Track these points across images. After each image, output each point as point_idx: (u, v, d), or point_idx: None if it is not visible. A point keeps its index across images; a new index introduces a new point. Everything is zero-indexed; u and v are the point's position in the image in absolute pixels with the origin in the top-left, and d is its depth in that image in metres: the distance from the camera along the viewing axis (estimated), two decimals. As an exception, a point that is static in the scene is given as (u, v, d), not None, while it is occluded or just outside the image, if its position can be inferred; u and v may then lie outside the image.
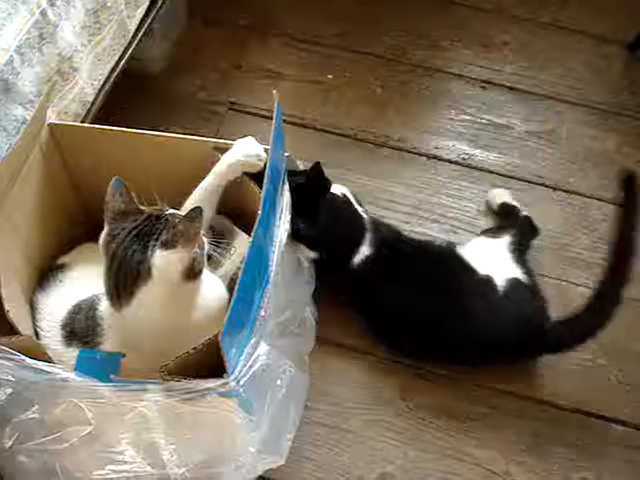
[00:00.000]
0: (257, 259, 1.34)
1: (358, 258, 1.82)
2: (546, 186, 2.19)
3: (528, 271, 1.87)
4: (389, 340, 1.90)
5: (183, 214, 1.36)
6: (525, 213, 2.03)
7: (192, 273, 1.35)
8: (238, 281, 1.22)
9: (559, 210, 2.16)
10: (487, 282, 1.80)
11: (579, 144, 2.28)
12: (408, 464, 1.77)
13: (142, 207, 1.40)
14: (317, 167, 1.74)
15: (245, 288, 1.25)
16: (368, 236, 1.84)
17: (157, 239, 1.33)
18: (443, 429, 1.81)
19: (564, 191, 2.18)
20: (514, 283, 1.82)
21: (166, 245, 1.32)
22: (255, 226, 1.28)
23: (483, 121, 2.31)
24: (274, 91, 1.44)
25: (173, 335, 1.39)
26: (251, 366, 1.29)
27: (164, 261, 1.32)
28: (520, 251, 1.92)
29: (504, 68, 2.44)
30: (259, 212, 1.29)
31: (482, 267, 1.83)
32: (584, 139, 2.29)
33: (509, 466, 1.77)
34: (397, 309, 1.83)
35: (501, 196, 2.10)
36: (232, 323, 1.20)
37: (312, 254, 1.76)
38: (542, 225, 2.06)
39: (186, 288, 1.37)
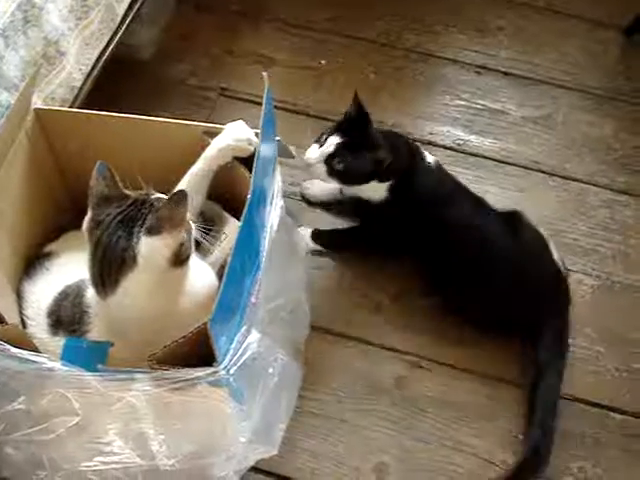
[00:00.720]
0: (247, 244, 1.31)
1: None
2: (542, 172, 2.17)
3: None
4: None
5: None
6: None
7: (179, 259, 1.33)
8: (227, 267, 1.20)
9: (555, 196, 2.13)
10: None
11: (575, 130, 2.25)
12: (404, 454, 1.74)
13: (127, 192, 1.37)
14: (356, 98, 1.77)
15: (235, 274, 1.23)
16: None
17: (142, 225, 1.31)
18: (439, 419, 1.79)
19: (560, 177, 2.16)
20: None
21: (151, 231, 1.30)
22: (245, 211, 1.25)
23: (478, 106, 2.29)
24: (264, 74, 1.41)
25: (161, 323, 1.36)
26: (242, 354, 1.27)
27: (149, 248, 1.30)
28: None
29: (499, 53, 2.41)
30: (249, 197, 1.26)
31: None
32: (580, 124, 2.26)
33: (506, 455, 1.74)
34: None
35: None
36: (222, 310, 1.17)
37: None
38: (538, 211, 2.04)
39: (173, 274, 1.34)
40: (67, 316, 1.45)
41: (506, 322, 1.85)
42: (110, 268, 1.32)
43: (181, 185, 1.53)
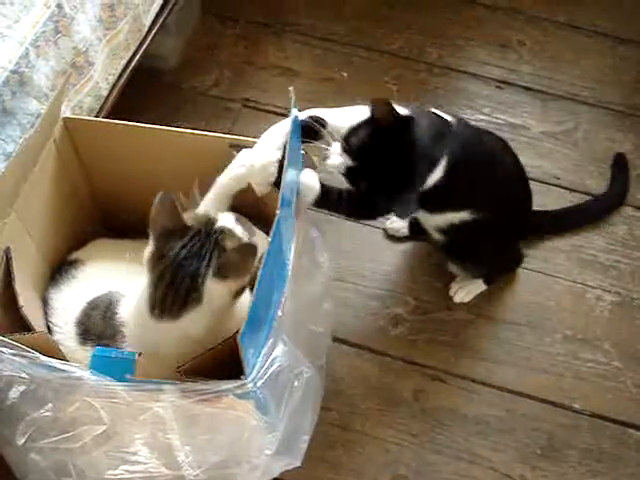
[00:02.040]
0: (276, 258, 1.32)
1: None
2: (562, 187, 2.17)
3: None
4: None
5: (230, 229, 1.37)
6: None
7: (239, 293, 1.36)
8: (257, 280, 1.21)
9: (575, 212, 2.13)
10: None
11: (596, 145, 2.25)
12: (422, 466, 1.75)
13: (189, 222, 1.38)
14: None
15: (264, 287, 1.23)
16: None
17: (208, 265, 1.33)
18: (457, 432, 1.80)
19: (580, 192, 2.16)
20: None
21: (218, 274, 1.33)
22: (274, 224, 1.26)
23: (499, 121, 2.29)
24: (290, 88, 1.42)
25: (203, 344, 1.37)
26: (268, 367, 1.27)
27: (215, 291, 1.34)
28: None
29: (520, 68, 2.41)
30: (278, 211, 1.27)
31: None
32: (601, 140, 2.26)
33: (524, 470, 1.75)
34: None
35: None
36: (251, 323, 1.18)
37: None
38: (558, 226, 2.06)
39: (232, 303, 1.38)
40: (97, 328, 1.45)
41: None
42: (173, 303, 1.34)
43: (207, 200, 1.54)
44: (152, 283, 1.36)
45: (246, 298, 1.41)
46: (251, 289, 1.41)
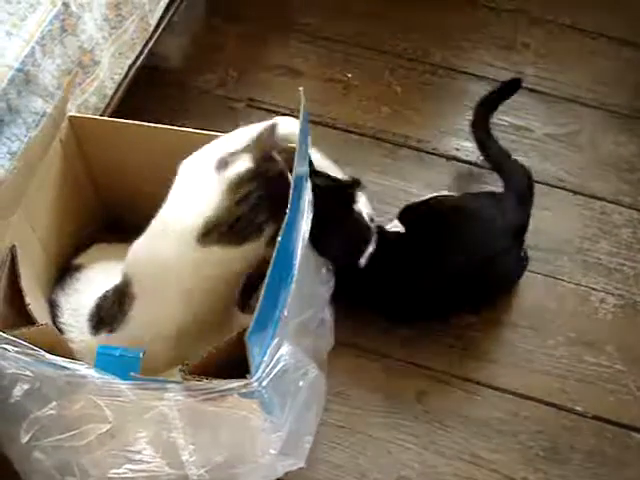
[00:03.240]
0: (284, 258, 1.32)
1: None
2: (566, 190, 2.17)
3: None
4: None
5: None
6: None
7: None
8: (266, 280, 1.21)
9: (579, 214, 2.13)
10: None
11: (600, 148, 2.25)
12: (425, 468, 1.75)
13: None
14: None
15: (272, 288, 1.24)
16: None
17: None
18: (461, 433, 1.79)
19: (584, 195, 2.16)
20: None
21: None
22: (283, 224, 1.26)
23: (503, 123, 2.29)
24: (300, 89, 1.42)
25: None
26: (273, 367, 1.26)
27: None
28: None
29: (524, 70, 2.41)
30: (287, 211, 1.27)
31: None
32: (605, 143, 2.26)
33: (526, 472, 1.75)
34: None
35: None
36: (258, 322, 1.18)
37: None
38: (561, 229, 2.05)
39: None
40: (109, 316, 1.48)
41: None
42: None
43: None
44: None
45: None
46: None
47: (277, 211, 1.31)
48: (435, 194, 1.98)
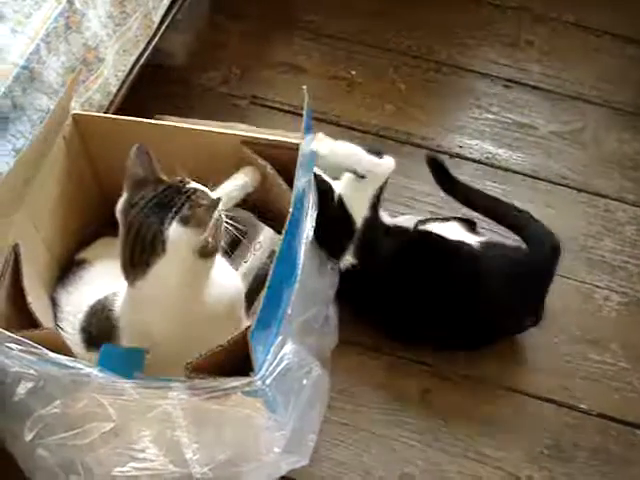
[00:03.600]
0: (287, 256, 1.32)
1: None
2: (570, 187, 2.17)
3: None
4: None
5: (203, 190, 1.36)
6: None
7: (207, 251, 1.34)
8: (269, 278, 1.21)
9: (583, 212, 2.13)
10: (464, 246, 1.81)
11: (604, 145, 2.25)
12: (428, 465, 1.75)
13: (163, 177, 1.39)
14: None
15: (275, 285, 1.24)
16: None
17: (176, 213, 1.31)
18: (465, 431, 1.79)
19: (588, 193, 2.16)
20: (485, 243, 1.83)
21: (182, 220, 1.31)
22: (287, 223, 1.26)
23: (507, 120, 2.29)
24: (304, 87, 1.42)
25: (184, 320, 1.39)
26: (277, 365, 1.27)
27: (177, 236, 1.31)
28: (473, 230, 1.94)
29: (528, 67, 2.41)
30: (291, 209, 1.27)
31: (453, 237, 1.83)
32: (609, 141, 2.26)
33: (531, 470, 1.75)
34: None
35: None
36: (261, 321, 1.18)
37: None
38: (566, 227, 2.04)
39: (200, 266, 1.36)
40: (98, 332, 1.46)
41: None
42: (141, 251, 1.33)
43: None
44: (123, 237, 1.36)
45: (227, 279, 1.45)
46: (255, 286, 1.42)
47: None
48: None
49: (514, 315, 1.83)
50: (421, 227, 1.88)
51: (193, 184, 1.39)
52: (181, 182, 1.38)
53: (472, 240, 1.81)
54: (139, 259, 1.34)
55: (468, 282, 1.77)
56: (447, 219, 1.95)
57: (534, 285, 1.82)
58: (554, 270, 1.82)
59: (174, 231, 1.31)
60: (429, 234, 1.83)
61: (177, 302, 1.38)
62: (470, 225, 1.95)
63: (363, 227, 1.80)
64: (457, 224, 1.91)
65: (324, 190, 1.77)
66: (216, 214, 1.30)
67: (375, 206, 1.79)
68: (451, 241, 1.80)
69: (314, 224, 1.46)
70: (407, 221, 1.91)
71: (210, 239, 1.31)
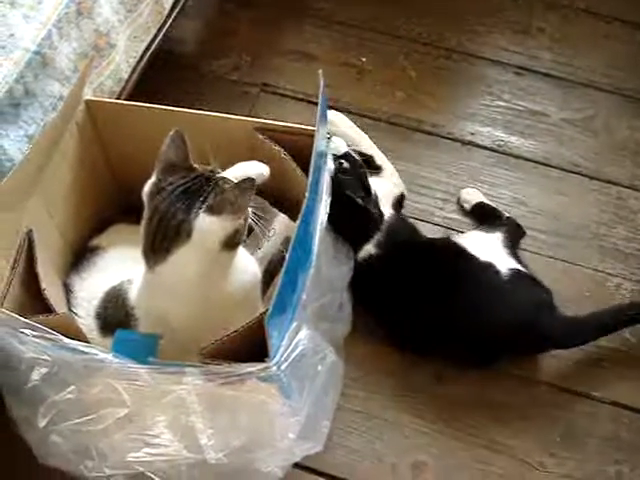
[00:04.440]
0: (303, 242, 1.31)
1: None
2: (582, 175, 2.16)
3: (525, 266, 1.85)
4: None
5: (235, 181, 1.33)
6: (507, 215, 2.01)
7: (232, 243, 1.34)
8: (285, 264, 1.20)
9: (595, 199, 2.12)
10: (490, 269, 1.79)
11: (616, 133, 2.24)
12: (441, 452, 1.75)
13: (195, 165, 1.38)
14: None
15: (291, 270, 1.23)
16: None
17: (203, 201, 1.31)
18: (477, 418, 1.79)
19: (600, 180, 2.15)
20: (515, 273, 1.80)
21: (212, 210, 1.30)
22: (302, 208, 1.25)
23: (519, 108, 2.28)
24: (319, 71, 1.41)
25: (202, 307, 1.39)
26: (292, 351, 1.26)
27: (206, 226, 1.30)
28: (514, 248, 1.90)
29: (540, 55, 2.40)
30: (306, 194, 1.26)
31: (483, 256, 1.81)
32: (621, 128, 2.25)
33: (543, 457, 1.74)
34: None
35: (474, 196, 2.08)
36: (278, 306, 1.17)
37: None
38: (578, 214, 2.05)
39: (222, 257, 1.36)
40: (114, 319, 1.46)
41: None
42: (164, 237, 1.32)
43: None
44: (147, 220, 1.36)
45: (246, 268, 1.45)
46: (268, 273, 1.41)
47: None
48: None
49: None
50: (458, 237, 1.89)
51: (222, 174, 1.38)
52: (212, 172, 1.37)
53: (503, 264, 1.80)
54: (161, 243, 1.33)
55: (480, 309, 1.76)
56: (495, 228, 1.93)
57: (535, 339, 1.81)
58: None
59: (202, 220, 1.30)
60: (459, 250, 1.83)
61: (196, 290, 1.38)
62: (515, 238, 1.94)
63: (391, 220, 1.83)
64: (501, 237, 1.89)
65: (358, 174, 1.81)
66: (250, 197, 1.30)
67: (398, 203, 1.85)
68: (479, 261, 1.80)
69: (328, 210, 1.46)
70: None
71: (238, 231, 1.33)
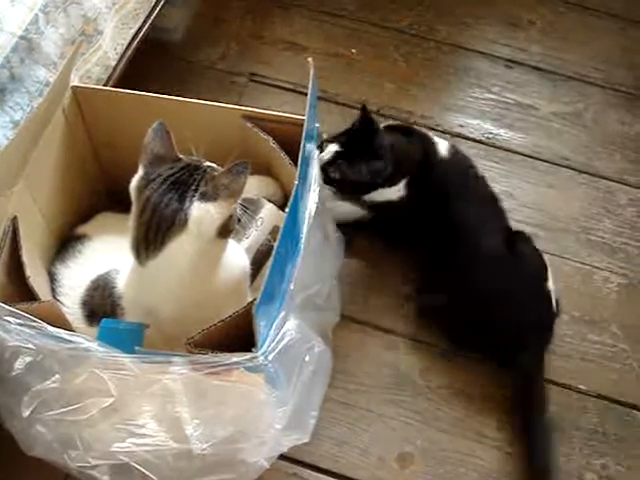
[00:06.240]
0: (291, 231, 1.30)
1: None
2: (571, 168, 2.15)
3: None
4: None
5: (223, 168, 1.32)
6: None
7: (226, 230, 1.33)
8: (273, 253, 1.19)
9: (583, 193, 2.12)
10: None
11: (605, 127, 2.24)
12: (427, 444, 1.74)
13: (180, 155, 1.36)
14: (364, 110, 1.73)
15: (280, 260, 1.22)
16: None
17: (196, 190, 1.29)
18: (464, 410, 1.79)
19: (589, 174, 2.15)
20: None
21: (206, 197, 1.29)
22: (291, 198, 1.24)
23: (508, 100, 2.28)
24: (309, 59, 1.39)
25: (192, 299, 1.37)
26: (279, 341, 1.25)
27: (202, 213, 1.29)
28: None
29: (530, 47, 2.39)
30: (295, 183, 1.25)
31: None
32: (610, 122, 2.25)
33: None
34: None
35: None
36: (265, 295, 1.16)
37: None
38: (566, 208, 2.05)
39: (216, 246, 1.34)
40: (100, 308, 1.44)
41: (482, 339, 1.83)
42: (158, 229, 1.30)
43: None
44: (137, 215, 1.33)
45: (236, 258, 1.44)
46: (258, 262, 1.40)
47: None
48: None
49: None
50: None
51: (209, 163, 1.37)
52: (198, 161, 1.36)
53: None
54: (155, 236, 1.31)
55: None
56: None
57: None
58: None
59: (197, 208, 1.29)
60: None
61: (187, 281, 1.36)
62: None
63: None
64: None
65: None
66: (245, 180, 1.29)
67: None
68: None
69: (317, 199, 1.45)
70: None
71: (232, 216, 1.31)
